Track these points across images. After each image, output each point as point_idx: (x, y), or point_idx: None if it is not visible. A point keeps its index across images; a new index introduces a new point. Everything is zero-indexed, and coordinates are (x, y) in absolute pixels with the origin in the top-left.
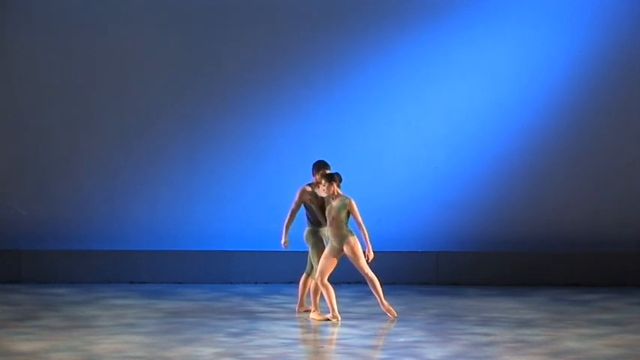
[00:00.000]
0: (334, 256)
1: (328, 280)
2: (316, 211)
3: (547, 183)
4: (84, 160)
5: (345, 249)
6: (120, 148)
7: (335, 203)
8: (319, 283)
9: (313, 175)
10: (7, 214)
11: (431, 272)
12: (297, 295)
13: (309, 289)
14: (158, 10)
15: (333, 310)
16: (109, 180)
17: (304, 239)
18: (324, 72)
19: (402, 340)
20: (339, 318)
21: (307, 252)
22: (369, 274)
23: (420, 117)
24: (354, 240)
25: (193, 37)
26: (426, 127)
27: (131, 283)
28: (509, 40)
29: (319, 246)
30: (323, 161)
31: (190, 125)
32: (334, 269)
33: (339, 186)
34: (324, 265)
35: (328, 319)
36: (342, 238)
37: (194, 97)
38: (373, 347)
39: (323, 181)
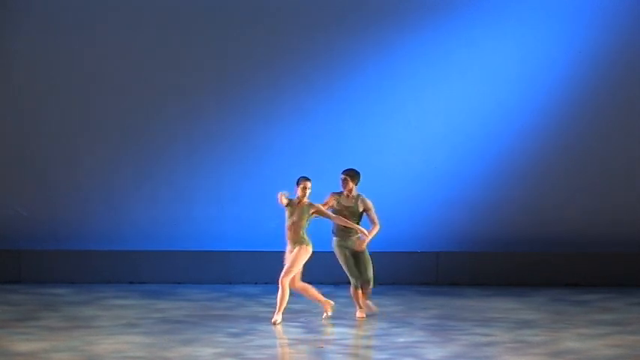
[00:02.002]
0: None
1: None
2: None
3: (547, 183)
4: (84, 161)
5: (295, 251)
6: (119, 148)
7: (299, 208)
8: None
9: (344, 185)
10: (7, 214)
11: (431, 272)
12: (355, 304)
13: (359, 294)
14: (158, 10)
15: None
16: (109, 180)
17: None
18: (324, 72)
19: (401, 340)
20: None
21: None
22: (286, 287)
23: (420, 117)
24: (306, 249)
25: (193, 37)
26: (426, 127)
27: (131, 283)
28: (509, 40)
29: (341, 255)
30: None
31: (190, 125)
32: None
33: (308, 195)
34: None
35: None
36: (297, 243)
37: (194, 97)
38: (373, 347)
39: (304, 185)
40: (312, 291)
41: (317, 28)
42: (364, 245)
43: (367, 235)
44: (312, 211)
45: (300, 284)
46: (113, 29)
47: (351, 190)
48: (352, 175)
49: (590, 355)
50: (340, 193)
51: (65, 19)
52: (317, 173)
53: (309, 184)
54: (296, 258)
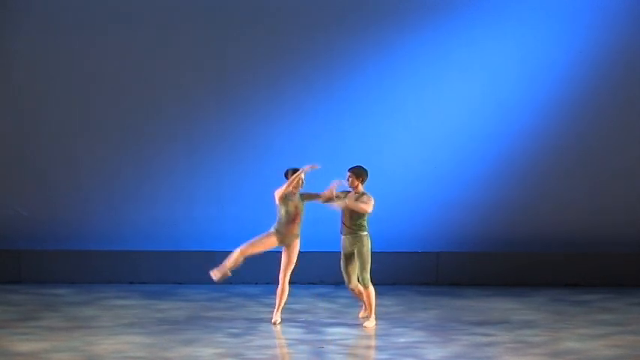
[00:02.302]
0: (269, 244)
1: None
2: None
3: (547, 183)
4: (84, 161)
5: (288, 247)
6: (119, 148)
7: (294, 201)
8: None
9: (350, 182)
10: (8, 214)
11: (431, 272)
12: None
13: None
14: (158, 10)
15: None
16: (109, 180)
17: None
18: (324, 72)
19: (402, 340)
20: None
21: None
22: (286, 284)
23: (420, 117)
24: (298, 244)
25: (193, 37)
26: (426, 126)
27: (131, 283)
28: (509, 40)
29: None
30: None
31: (190, 125)
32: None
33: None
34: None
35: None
36: (292, 239)
37: (194, 98)
38: (373, 347)
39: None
40: (231, 264)
41: (317, 28)
42: (330, 190)
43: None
44: (304, 199)
45: (242, 258)
46: (113, 29)
47: (356, 187)
48: (357, 172)
49: (591, 356)
50: (348, 192)
51: (65, 19)
52: (317, 173)
53: (302, 176)
54: (292, 255)
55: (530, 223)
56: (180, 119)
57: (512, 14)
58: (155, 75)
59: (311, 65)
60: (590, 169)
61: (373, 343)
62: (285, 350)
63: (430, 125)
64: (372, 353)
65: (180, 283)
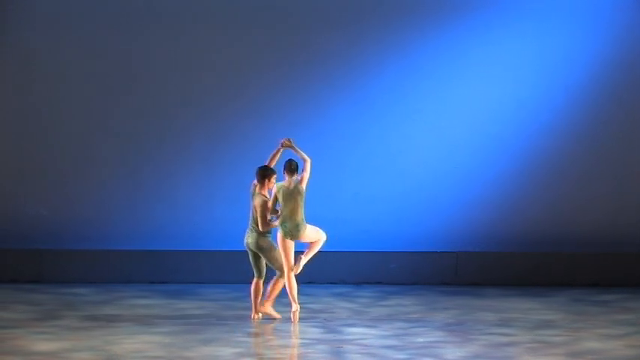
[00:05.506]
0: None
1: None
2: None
3: (567, 183)
4: (104, 161)
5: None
6: (140, 148)
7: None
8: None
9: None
10: (28, 213)
11: (450, 272)
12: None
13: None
14: (175, 8)
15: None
16: (129, 180)
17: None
18: (344, 72)
19: (421, 340)
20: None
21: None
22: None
23: (440, 116)
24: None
25: (213, 36)
26: (446, 126)
27: (151, 283)
28: (529, 39)
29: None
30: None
31: (210, 126)
32: None
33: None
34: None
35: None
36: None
37: (214, 98)
38: (392, 347)
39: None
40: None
41: (337, 28)
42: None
43: None
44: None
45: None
46: (135, 28)
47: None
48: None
49: (611, 356)
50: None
51: (83, 19)
52: (337, 173)
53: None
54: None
55: (550, 222)
56: (201, 119)
57: (531, 14)
58: (176, 75)
59: (331, 65)
60: (610, 169)
61: (392, 342)
62: (304, 350)
63: (450, 125)
64: (391, 353)
65: (200, 283)
